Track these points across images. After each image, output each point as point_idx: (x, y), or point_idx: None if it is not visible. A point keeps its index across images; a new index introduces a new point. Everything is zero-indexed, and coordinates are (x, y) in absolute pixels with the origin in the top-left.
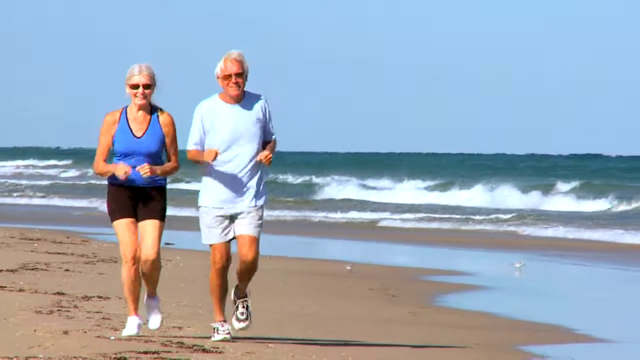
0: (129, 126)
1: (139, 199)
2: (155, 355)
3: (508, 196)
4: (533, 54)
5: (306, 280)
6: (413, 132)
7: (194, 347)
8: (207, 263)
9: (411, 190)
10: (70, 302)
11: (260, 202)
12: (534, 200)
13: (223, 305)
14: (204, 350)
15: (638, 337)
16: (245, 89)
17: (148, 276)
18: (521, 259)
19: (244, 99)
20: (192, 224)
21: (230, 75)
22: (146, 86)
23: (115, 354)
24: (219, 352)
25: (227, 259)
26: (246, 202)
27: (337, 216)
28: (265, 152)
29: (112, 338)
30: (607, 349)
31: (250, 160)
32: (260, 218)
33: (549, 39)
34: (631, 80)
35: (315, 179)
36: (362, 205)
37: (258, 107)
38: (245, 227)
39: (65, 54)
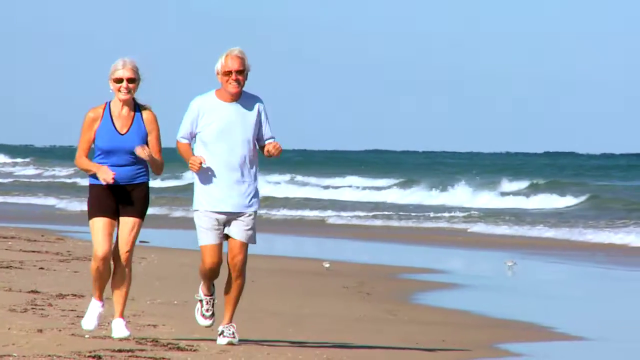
0: (113, 123)
1: (121, 197)
2: (130, 354)
3: (461, 194)
4: (516, 54)
5: (277, 278)
6: (399, 131)
7: (169, 345)
8: (181, 261)
9: (360, 189)
10: (45, 301)
11: (254, 205)
12: (486, 198)
13: (212, 286)
14: (179, 348)
15: (611, 335)
16: (243, 89)
17: (119, 277)
18: (510, 258)
19: (241, 98)
20: (167, 222)
21: (230, 72)
22: (130, 80)
23: (90, 352)
24: (194, 350)
25: (219, 262)
26: (239, 203)
27: (285, 213)
28: (273, 142)
29: (87, 336)
30: (581, 346)
31: (243, 160)
32: (253, 222)
33: (531, 38)
34: (613, 80)
35: (271, 177)
36: (310, 203)
37: (254, 107)
38: (236, 232)
39: (56, 54)
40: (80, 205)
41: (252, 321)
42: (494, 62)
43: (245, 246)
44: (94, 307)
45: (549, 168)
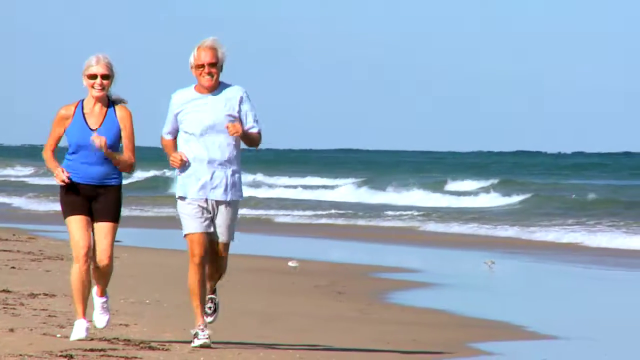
0: (85, 119)
1: (92, 198)
2: (102, 353)
3: (411, 193)
4: (491, 54)
5: (247, 277)
6: (373, 130)
7: (141, 345)
8: (154, 260)
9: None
10: (17, 300)
11: (235, 196)
12: (434, 197)
13: (204, 308)
14: (151, 348)
15: (580, 333)
16: (220, 80)
17: (99, 277)
18: (490, 257)
19: (218, 89)
20: (139, 221)
21: (203, 65)
22: (104, 76)
23: (62, 351)
24: (166, 350)
25: (205, 251)
26: (220, 193)
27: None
28: (236, 123)
29: (59, 336)
30: (552, 345)
31: (223, 151)
32: (234, 216)
33: (507, 38)
34: (584, 80)
35: None
36: (261, 202)
37: (232, 97)
38: (218, 231)
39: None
40: (35, 204)
41: (223, 320)
42: (469, 63)
43: (226, 246)
44: (80, 325)
45: (513, 167)
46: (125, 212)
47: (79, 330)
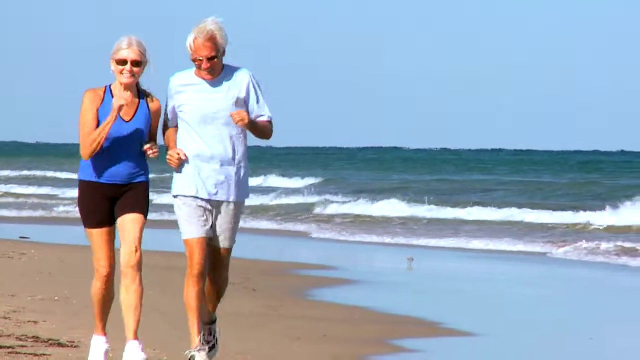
0: None
1: (117, 198)
2: (10, 350)
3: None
4: (413, 53)
5: (156, 274)
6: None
7: (50, 342)
8: (62, 256)
9: None
10: None
11: (241, 197)
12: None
13: (201, 326)
14: (60, 345)
15: (498, 330)
16: (225, 63)
17: (128, 289)
18: (410, 254)
19: (223, 74)
20: (46, 219)
21: (201, 59)
22: (135, 63)
23: None
24: (75, 347)
25: (207, 259)
26: (223, 195)
27: None
28: (241, 110)
29: None
30: (469, 341)
31: (229, 146)
32: (238, 218)
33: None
34: (539, 79)
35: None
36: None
37: (239, 83)
38: (218, 235)
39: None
40: None
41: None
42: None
43: (228, 251)
44: (98, 346)
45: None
46: (30, 211)
47: (98, 349)
